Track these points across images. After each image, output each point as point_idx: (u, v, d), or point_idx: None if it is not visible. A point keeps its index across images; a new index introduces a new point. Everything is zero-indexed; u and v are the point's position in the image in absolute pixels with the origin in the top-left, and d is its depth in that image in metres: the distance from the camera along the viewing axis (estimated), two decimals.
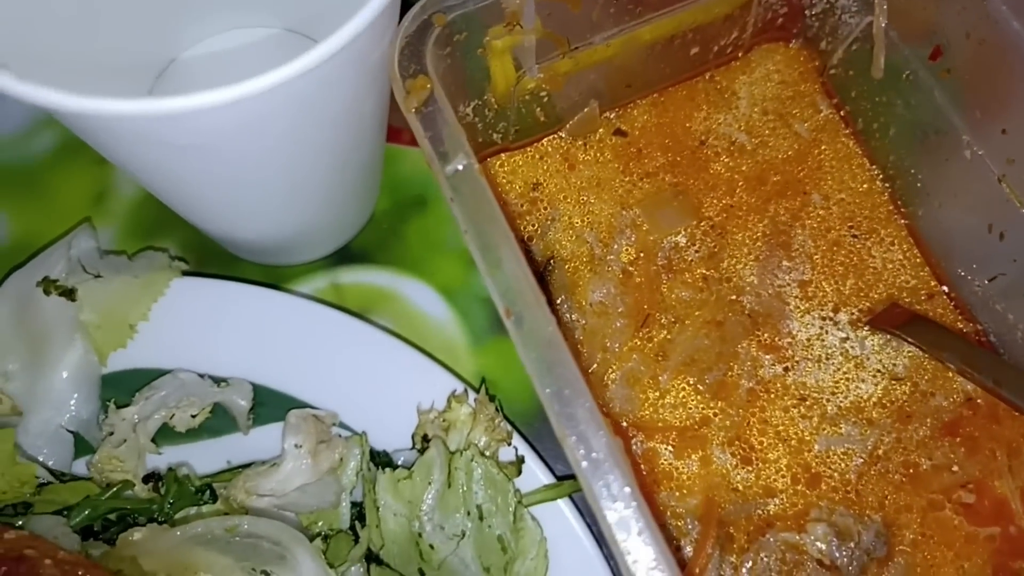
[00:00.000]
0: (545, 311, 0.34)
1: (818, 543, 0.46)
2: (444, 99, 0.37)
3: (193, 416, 0.46)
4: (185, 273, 0.49)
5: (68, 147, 0.56)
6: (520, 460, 0.45)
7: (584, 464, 0.33)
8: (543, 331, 0.34)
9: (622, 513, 0.33)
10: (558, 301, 0.50)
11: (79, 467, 0.46)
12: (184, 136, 0.34)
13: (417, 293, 0.53)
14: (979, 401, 0.49)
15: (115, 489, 0.43)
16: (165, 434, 0.46)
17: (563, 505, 0.44)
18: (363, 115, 0.41)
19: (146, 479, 0.45)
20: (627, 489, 0.33)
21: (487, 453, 0.44)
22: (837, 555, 0.46)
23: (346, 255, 0.54)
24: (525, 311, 0.35)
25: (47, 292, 0.46)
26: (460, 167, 0.36)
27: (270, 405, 0.47)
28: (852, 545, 0.46)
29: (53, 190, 0.55)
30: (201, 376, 0.47)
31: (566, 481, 0.45)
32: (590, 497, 0.33)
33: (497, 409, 0.46)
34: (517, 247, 0.35)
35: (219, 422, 0.47)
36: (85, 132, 0.36)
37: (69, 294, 0.46)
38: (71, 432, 0.46)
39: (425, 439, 0.45)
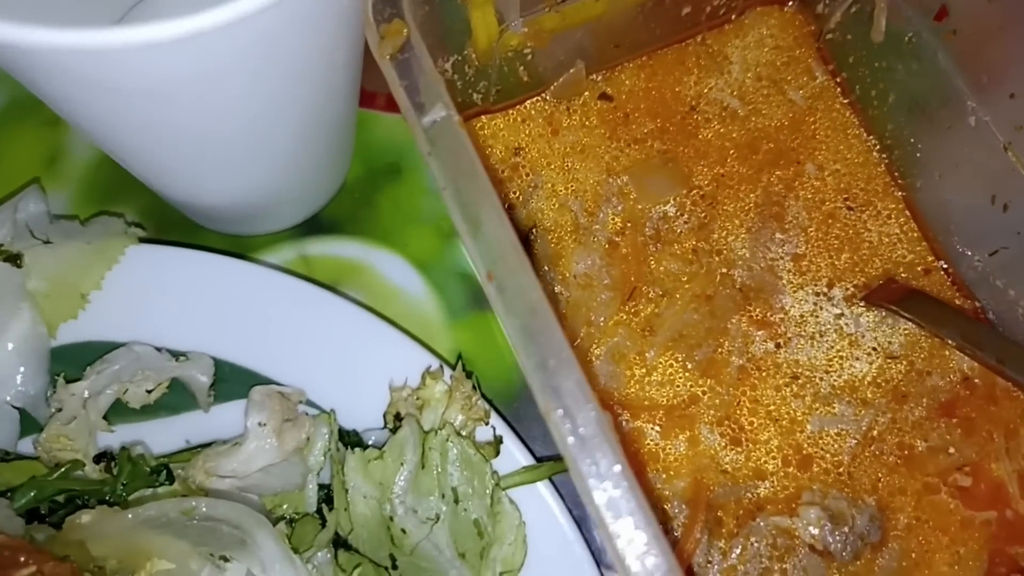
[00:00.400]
0: (530, 275, 0.32)
1: (810, 528, 0.45)
2: (421, 45, 0.35)
3: (149, 392, 0.45)
4: (143, 240, 0.47)
5: (18, 106, 0.54)
6: (498, 440, 0.44)
7: (570, 440, 0.31)
8: (528, 297, 0.32)
9: (611, 493, 0.31)
10: (541, 272, 0.48)
11: (25, 446, 0.44)
12: (135, 79, 0.31)
13: (390, 265, 0.52)
14: (976, 381, 0.48)
15: (64, 469, 0.42)
16: (118, 411, 0.45)
17: (543, 488, 0.43)
18: (334, 67, 0.39)
19: (97, 459, 0.43)
20: (617, 468, 0.31)
21: (463, 433, 0.43)
22: (830, 540, 0.44)
23: (316, 225, 0.52)
24: (508, 276, 0.33)
25: None
26: (438, 118, 0.34)
27: (232, 381, 0.45)
28: (846, 530, 0.45)
29: (0, 152, 0.53)
30: (158, 349, 0.45)
31: (546, 462, 0.44)
32: (576, 477, 0.31)
33: (474, 387, 0.44)
34: (500, 205, 0.33)
35: (177, 398, 0.45)
36: (21, 72, 0.32)
37: (15, 260, 0.44)
38: (17, 408, 0.44)
39: (398, 418, 0.44)
